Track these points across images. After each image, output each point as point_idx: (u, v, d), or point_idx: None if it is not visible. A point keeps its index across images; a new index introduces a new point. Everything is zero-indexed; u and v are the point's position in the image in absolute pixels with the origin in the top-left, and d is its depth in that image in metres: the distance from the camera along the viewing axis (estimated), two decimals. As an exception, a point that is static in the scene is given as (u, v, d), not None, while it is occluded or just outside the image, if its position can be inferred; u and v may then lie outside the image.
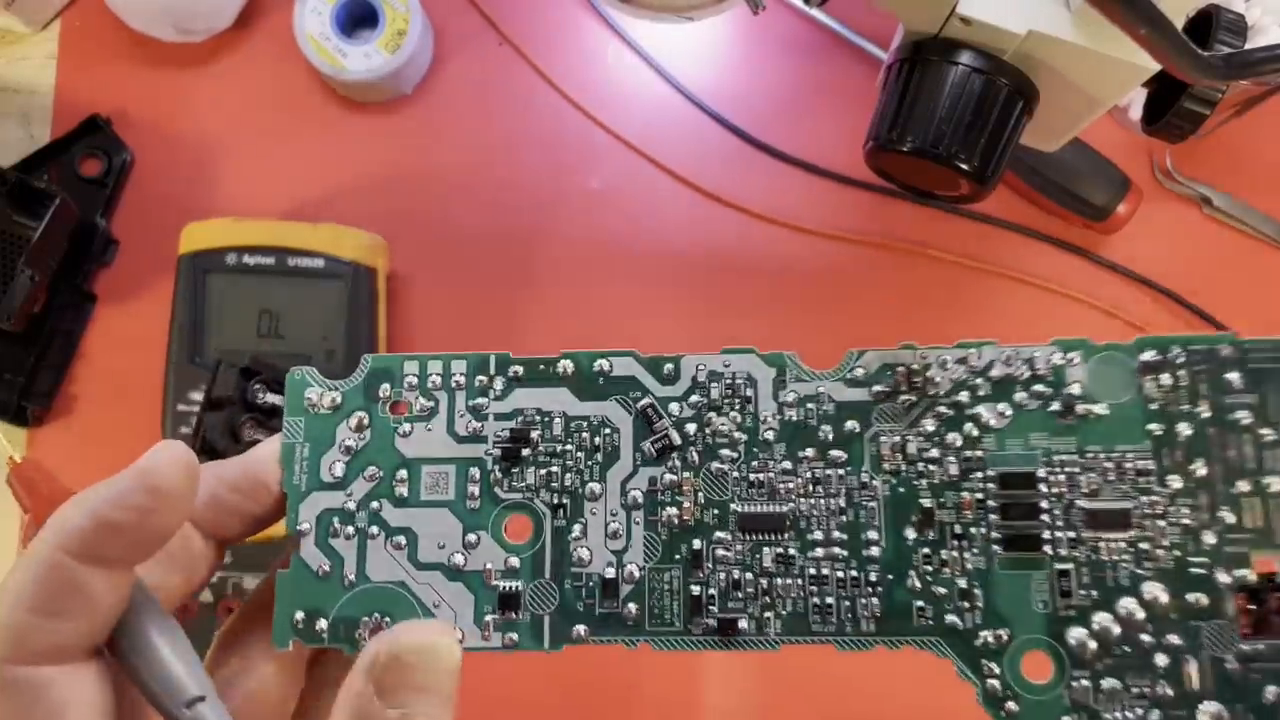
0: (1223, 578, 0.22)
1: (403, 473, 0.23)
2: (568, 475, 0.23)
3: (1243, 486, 0.22)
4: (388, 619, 0.22)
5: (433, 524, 0.23)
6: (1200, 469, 0.22)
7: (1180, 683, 0.21)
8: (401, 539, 0.23)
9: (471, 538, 0.23)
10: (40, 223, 0.47)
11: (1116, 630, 0.22)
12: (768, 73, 0.54)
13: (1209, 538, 0.22)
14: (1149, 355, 0.23)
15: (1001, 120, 0.30)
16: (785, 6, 0.53)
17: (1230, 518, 0.22)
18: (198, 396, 0.48)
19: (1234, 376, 0.22)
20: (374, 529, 0.23)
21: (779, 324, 0.51)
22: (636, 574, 0.23)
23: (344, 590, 0.23)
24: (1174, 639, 0.22)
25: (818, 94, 0.53)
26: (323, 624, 0.23)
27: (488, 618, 0.23)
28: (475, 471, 0.23)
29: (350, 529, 0.23)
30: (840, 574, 0.23)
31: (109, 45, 0.54)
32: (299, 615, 0.23)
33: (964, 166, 0.30)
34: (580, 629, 0.22)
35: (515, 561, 0.23)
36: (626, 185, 0.53)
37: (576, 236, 0.52)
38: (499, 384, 0.23)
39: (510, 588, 0.23)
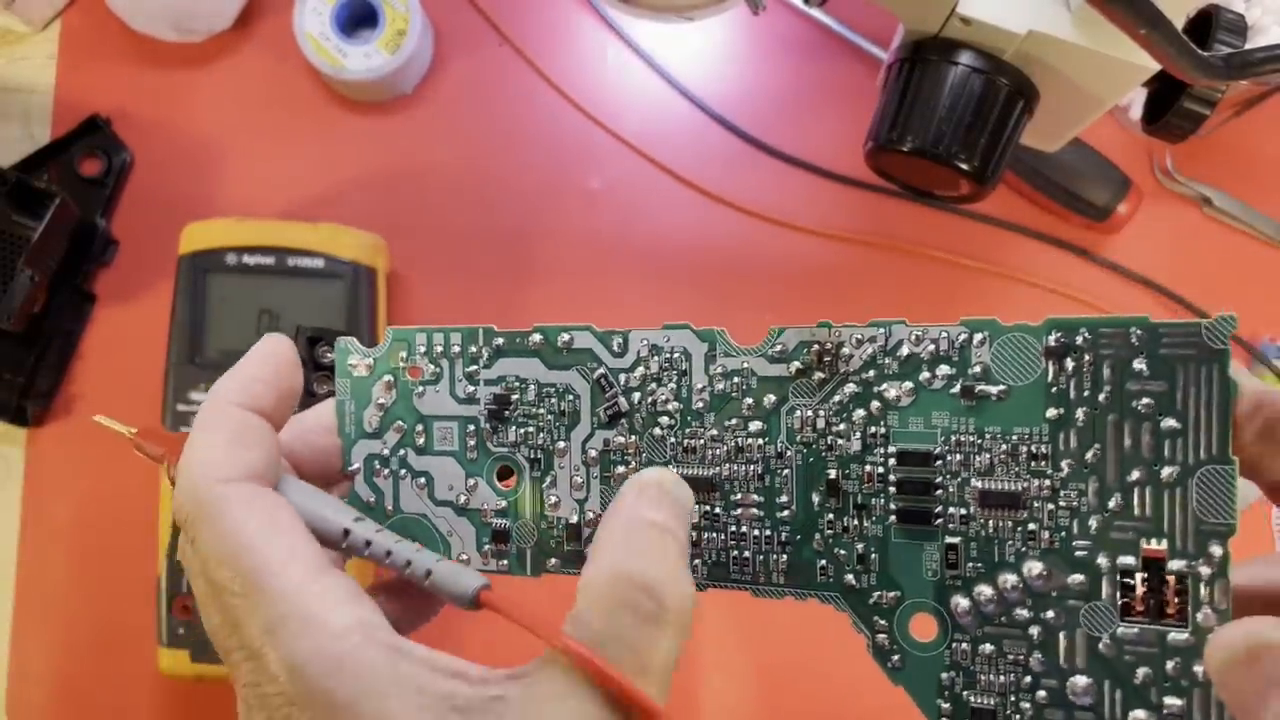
0: (1103, 561, 0.22)
1: (420, 426, 0.27)
2: (541, 434, 0.26)
3: (1136, 475, 0.22)
4: (417, 542, 0.26)
5: (443, 469, 0.27)
6: (1093, 455, 0.22)
7: (1054, 655, 0.22)
8: (422, 480, 0.27)
9: (471, 482, 0.27)
10: (40, 223, 0.47)
11: (996, 602, 0.23)
12: (768, 73, 0.54)
13: (1094, 522, 0.22)
14: (1054, 338, 0.22)
15: (1001, 120, 0.30)
16: (785, 6, 0.53)
17: (1119, 505, 0.22)
18: (198, 396, 0.48)
19: (1140, 364, 0.22)
20: (403, 471, 0.27)
21: (779, 323, 0.51)
22: (595, 519, 0.26)
23: (386, 518, 0.27)
24: (1050, 615, 0.22)
25: (818, 94, 0.53)
26: None
27: (485, 546, 0.27)
28: (471, 428, 0.27)
29: (386, 470, 0.27)
30: (756, 532, 0.25)
31: (109, 45, 0.54)
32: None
33: (964, 166, 0.30)
34: (553, 561, 0.26)
35: (503, 504, 0.27)
36: (626, 185, 0.53)
37: (576, 236, 0.52)
38: (485, 354, 0.27)
39: (501, 525, 0.27)
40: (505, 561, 0.27)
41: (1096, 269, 0.51)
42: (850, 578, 0.24)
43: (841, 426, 0.24)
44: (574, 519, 0.26)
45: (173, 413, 0.48)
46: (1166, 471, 0.22)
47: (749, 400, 0.25)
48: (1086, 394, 0.22)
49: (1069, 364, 0.22)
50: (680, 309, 0.52)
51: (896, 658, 0.24)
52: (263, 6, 0.54)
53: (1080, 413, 0.22)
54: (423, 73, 0.54)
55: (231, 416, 0.24)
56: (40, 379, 0.51)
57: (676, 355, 0.25)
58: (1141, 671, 0.22)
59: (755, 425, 0.25)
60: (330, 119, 0.54)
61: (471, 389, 0.27)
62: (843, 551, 0.24)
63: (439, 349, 0.27)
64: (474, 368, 0.27)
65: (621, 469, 0.26)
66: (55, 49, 0.54)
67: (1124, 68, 0.28)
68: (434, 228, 0.53)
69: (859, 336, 0.24)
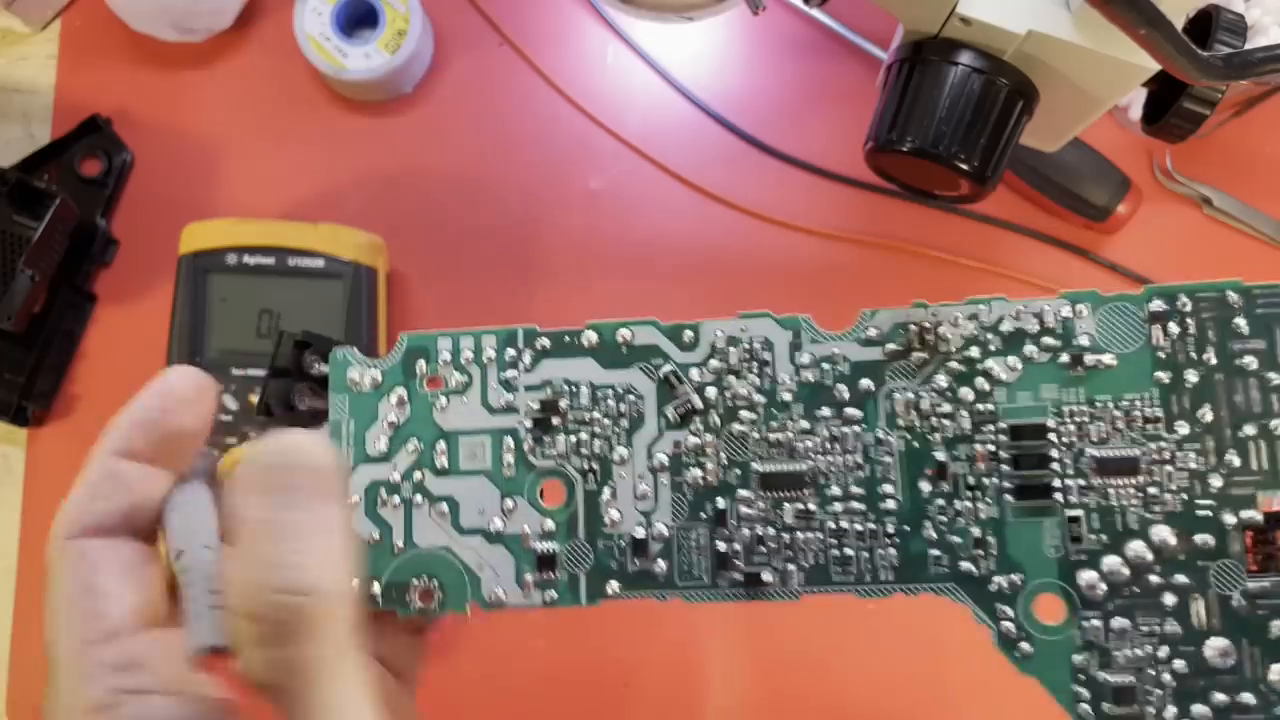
0: (1229, 519, 0.22)
1: (442, 444, 0.24)
2: (596, 442, 0.24)
3: (1249, 430, 0.22)
4: (435, 581, 0.24)
5: (472, 492, 0.24)
6: (1207, 414, 0.23)
7: (1188, 620, 0.22)
8: (444, 506, 0.24)
9: (509, 504, 0.24)
10: (40, 223, 0.47)
11: (1126, 572, 0.22)
12: (768, 73, 0.54)
13: (1215, 481, 0.22)
14: (1157, 304, 0.23)
15: (1001, 120, 0.30)
16: (785, 6, 0.53)
17: (1236, 461, 0.22)
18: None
19: (1241, 322, 0.23)
20: (418, 498, 0.24)
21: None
22: (665, 533, 0.24)
23: (393, 556, 0.24)
24: (1181, 578, 0.22)
25: (818, 94, 0.53)
26: (376, 588, 0.24)
27: (527, 576, 0.24)
28: (509, 441, 0.24)
29: (396, 499, 0.24)
30: (859, 527, 0.23)
31: (109, 45, 0.54)
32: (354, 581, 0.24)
33: (964, 166, 0.30)
34: (614, 585, 0.24)
35: (551, 525, 0.24)
36: (626, 185, 0.53)
37: (577, 237, 0.52)
38: (527, 357, 0.24)
39: (547, 549, 0.24)
40: (553, 592, 0.24)
41: (1096, 269, 0.51)
42: (967, 565, 0.23)
43: (947, 407, 0.24)
44: (639, 533, 0.24)
45: (173, 413, 0.48)
46: (1276, 423, 0.22)
47: (842, 386, 0.24)
48: (1193, 355, 0.23)
49: (1173, 328, 0.23)
50: (680, 309, 0.51)
51: (1025, 645, 0.23)
52: (263, 6, 0.54)
53: (1190, 374, 0.23)
54: (423, 73, 0.54)
55: (94, 466, 0.23)
56: (40, 379, 0.51)
57: (757, 345, 0.24)
58: (1277, 625, 0.22)
59: (851, 411, 0.24)
60: (330, 119, 0.54)
61: (509, 397, 0.24)
62: (957, 538, 0.23)
63: (467, 354, 0.24)
64: (512, 373, 0.24)
65: (696, 472, 0.24)
66: (55, 49, 0.54)
67: (1124, 68, 0.28)
68: (434, 228, 0.53)
69: (957, 315, 0.24)
